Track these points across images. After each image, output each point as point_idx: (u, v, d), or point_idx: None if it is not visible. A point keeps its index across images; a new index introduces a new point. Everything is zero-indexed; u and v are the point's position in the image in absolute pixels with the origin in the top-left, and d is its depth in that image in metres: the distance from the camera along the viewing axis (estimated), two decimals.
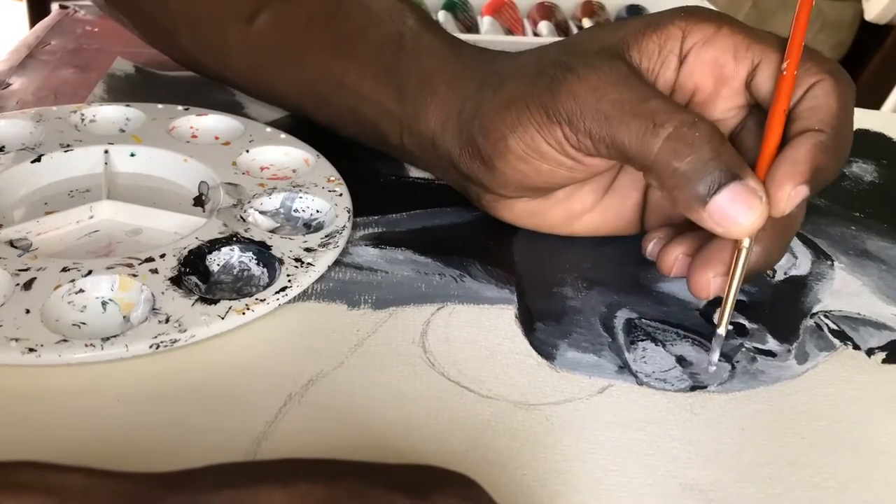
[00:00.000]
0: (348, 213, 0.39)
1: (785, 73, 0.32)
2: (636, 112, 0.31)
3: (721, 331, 0.33)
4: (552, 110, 0.33)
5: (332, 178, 0.41)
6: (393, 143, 0.40)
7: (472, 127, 0.36)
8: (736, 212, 0.30)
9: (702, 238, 0.34)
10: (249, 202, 0.39)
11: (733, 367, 0.33)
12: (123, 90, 0.51)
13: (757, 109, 0.35)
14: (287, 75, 0.43)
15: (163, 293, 0.33)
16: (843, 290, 0.39)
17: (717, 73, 0.34)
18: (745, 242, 0.32)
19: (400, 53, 0.39)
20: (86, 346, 0.30)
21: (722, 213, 0.30)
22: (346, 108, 0.41)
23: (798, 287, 0.39)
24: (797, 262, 0.40)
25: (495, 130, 0.35)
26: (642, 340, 0.34)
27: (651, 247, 0.37)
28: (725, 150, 0.31)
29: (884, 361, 0.35)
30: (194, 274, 0.34)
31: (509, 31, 0.70)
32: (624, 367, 0.33)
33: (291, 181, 0.41)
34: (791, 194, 0.31)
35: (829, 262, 0.41)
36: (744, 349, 0.34)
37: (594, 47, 0.34)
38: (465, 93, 0.37)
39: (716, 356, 0.33)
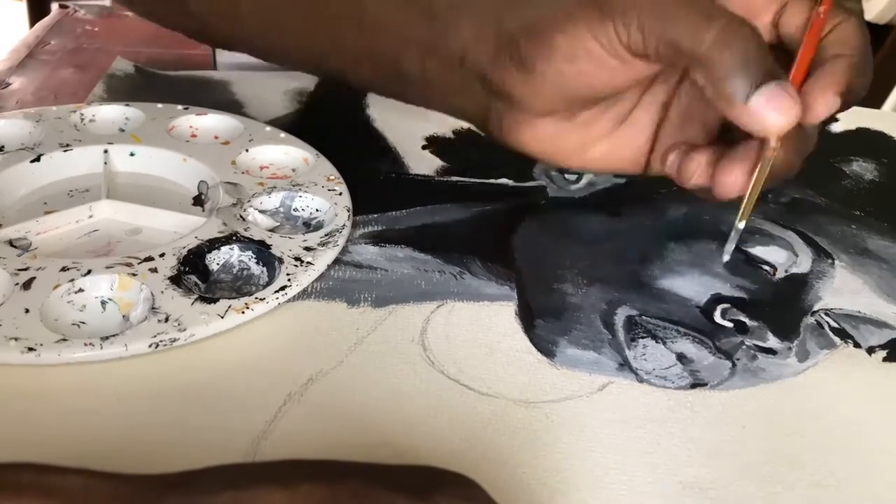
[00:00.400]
0: (348, 211, 0.39)
1: (822, 13, 0.35)
2: (690, 6, 0.33)
3: (741, 224, 0.34)
4: (607, 5, 0.34)
5: (332, 177, 0.41)
6: (411, 73, 0.40)
7: (515, 32, 0.36)
8: (773, 109, 0.32)
9: (720, 150, 0.36)
10: (249, 201, 0.39)
11: (734, 365, 0.33)
12: (123, 90, 0.51)
13: (778, 50, 0.36)
14: (300, 22, 0.42)
15: (162, 292, 0.33)
16: (844, 289, 0.39)
17: (747, 7, 0.36)
18: (773, 143, 0.33)
19: None
20: (85, 345, 0.30)
21: (761, 110, 0.32)
22: (363, 46, 0.40)
23: (799, 285, 0.39)
24: (798, 260, 0.40)
25: (541, 30, 0.35)
26: (643, 338, 0.34)
27: (672, 157, 0.37)
28: (768, 52, 0.33)
29: (884, 360, 0.35)
30: (194, 273, 0.34)
31: None
32: (624, 365, 0.33)
33: (291, 180, 0.41)
34: (830, 102, 0.33)
35: (829, 261, 0.40)
36: (744, 347, 0.34)
37: None
38: (504, 5, 0.37)
39: (731, 247, 0.34)
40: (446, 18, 0.38)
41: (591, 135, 0.39)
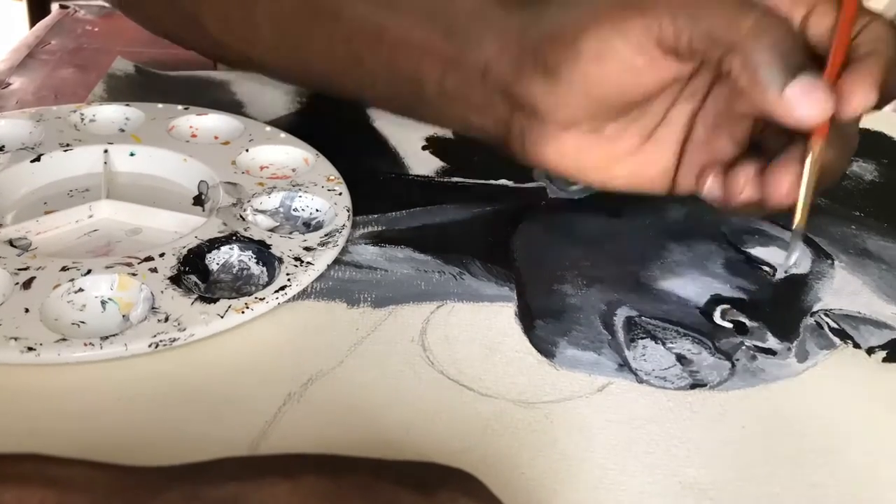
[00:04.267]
0: (348, 211, 0.39)
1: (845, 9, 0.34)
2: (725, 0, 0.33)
3: (799, 226, 0.34)
4: (634, 5, 0.34)
5: (332, 178, 0.41)
6: (429, 89, 0.40)
7: (539, 42, 0.36)
8: (809, 101, 0.32)
9: (761, 162, 0.35)
10: (249, 201, 0.39)
11: (733, 366, 0.33)
12: (123, 90, 0.51)
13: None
14: (318, 40, 0.42)
15: (162, 292, 0.33)
16: (844, 289, 0.39)
17: (774, 10, 0.35)
18: (817, 142, 0.33)
19: None
20: (85, 345, 0.30)
21: (797, 100, 0.32)
22: (381, 63, 0.40)
23: (798, 286, 0.39)
24: (798, 259, 0.40)
25: (566, 34, 0.35)
26: (642, 338, 0.34)
27: (710, 182, 0.37)
28: (803, 46, 0.33)
29: (884, 360, 0.35)
30: (194, 273, 0.34)
31: None
32: (624, 365, 0.33)
33: (291, 180, 0.41)
34: (867, 93, 0.33)
35: (829, 261, 0.40)
36: (744, 347, 0.34)
37: None
38: (525, 19, 0.37)
39: (795, 255, 0.34)
40: (468, 33, 0.38)
41: (616, 151, 0.38)
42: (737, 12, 0.33)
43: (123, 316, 0.32)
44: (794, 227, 0.34)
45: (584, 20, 0.35)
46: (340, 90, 0.44)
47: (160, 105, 0.46)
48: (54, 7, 0.66)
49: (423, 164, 0.46)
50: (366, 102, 0.44)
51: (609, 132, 0.38)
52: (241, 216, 0.37)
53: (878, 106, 0.34)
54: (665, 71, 0.35)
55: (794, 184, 0.34)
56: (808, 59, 0.33)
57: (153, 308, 0.32)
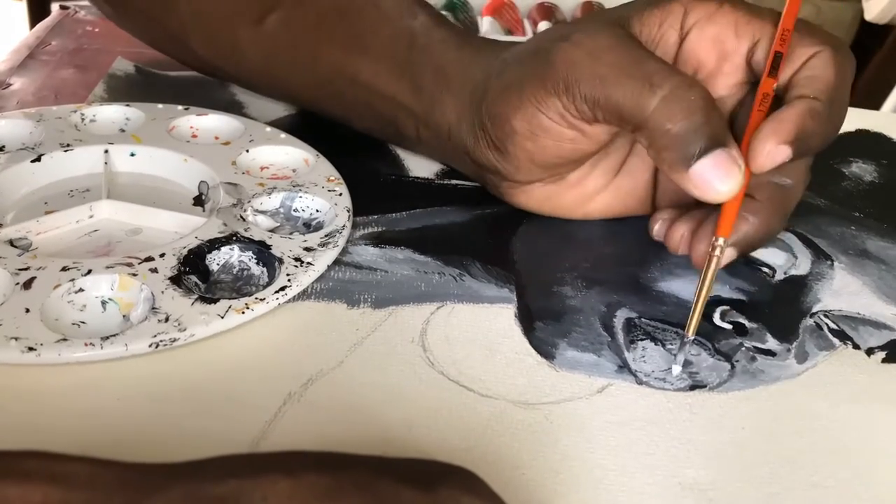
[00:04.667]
0: (348, 212, 0.39)
1: (771, 51, 0.34)
2: (632, 73, 0.32)
3: (689, 336, 0.33)
4: (549, 81, 0.34)
5: (332, 178, 0.41)
6: (409, 135, 0.41)
7: (481, 115, 0.37)
8: (715, 177, 0.32)
9: (704, 214, 0.35)
10: (249, 202, 0.39)
11: (733, 367, 0.33)
12: (123, 90, 0.51)
13: (755, 86, 0.35)
14: (300, 74, 0.43)
15: (162, 292, 0.33)
16: (843, 290, 0.39)
17: (718, 49, 0.35)
18: (720, 242, 0.33)
19: (413, 49, 0.40)
20: (85, 345, 0.30)
21: (702, 178, 0.32)
22: (362, 103, 0.42)
23: (798, 287, 0.39)
24: (797, 261, 0.40)
25: (500, 114, 0.36)
26: (642, 340, 0.34)
27: (658, 227, 0.38)
28: (715, 116, 0.32)
29: (883, 361, 0.35)
30: (194, 273, 0.34)
31: (509, 32, 0.71)
32: (623, 367, 0.33)
33: (291, 181, 0.41)
34: (772, 151, 0.32)
35: (828, 262, 0.41)
36: (743, 348, 0.34)
37: (593, 18, 0.35)
38: (474, 83, 0.38)
39: (681, 359, 0.33)
40: (432, 95, 0.39)
41: (586, 191, 0.40)
42: (642, 90, 0.32)
43: (124, 316, 0.32)
44: (684, 336, 0.33)
45: (513, 99, 0.35)
46: (328, 117, 0.45)
47: (160, 105, 0.46)
48: (54, 7, 0.66)
49: (424, 165, 0.46)
50: (358, 131, 0.44)
51: (574, 178, 0.39)
52: (241, 217, 0.38)
53: (798, 157, 0.33)
54: (597, 135, 0.35)
55: (703, 256, 0.34)
56: (722, 128, 0.32)
57: (153, 308, 0.32)
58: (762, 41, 0.35)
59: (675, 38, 0.35)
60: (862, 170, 0.50)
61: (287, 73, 0.43)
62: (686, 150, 0.32)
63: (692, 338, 0.33)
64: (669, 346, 0.34)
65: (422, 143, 0.41)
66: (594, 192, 0.40)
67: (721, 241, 0.33)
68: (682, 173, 0.32)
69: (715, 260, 0.33)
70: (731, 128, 0.35)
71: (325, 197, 0.40)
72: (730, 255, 0.35)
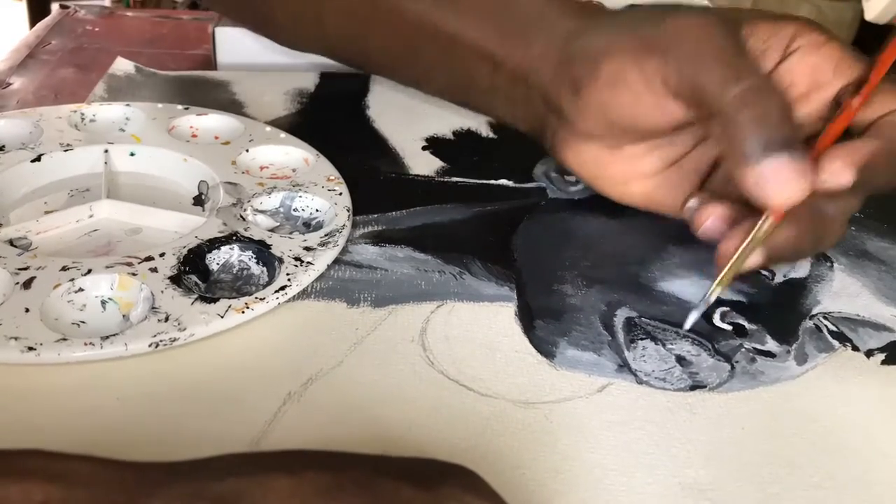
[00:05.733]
0: (348, 211, 0.39)
1: (853, 102, 0.34)
2: (724, 61, 0.33)
3: (711, 297, 0.34)
4: (651, 40, 0.35)
5: (332, 178, 0.41)
6: (480, 84, 0.41)
7: (574, 56, 0.37)
8: (782, 180, 0.31)
9: (739, 209, 0.35)
10: (249, 201, 0.39)
11: (733, 368, 0.33)
12: (123, 90, 0.51)
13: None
14: (379, 35, 0.44)
15: (162, 292, 0.33)
16: (843, 292, 0.39)
17: (813, 78, 0.36)
18: (769, 218, 0.33)
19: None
20: (85, 344, 0.30)
21: (768, 177, 0.31)
22: (438, 56, 0.42)
23: (797, 289, 0.39)
24: (796, 264, 0.40)
25: (595, 54, 0.36)
26: (642, 339, 0.34)
27: (692, 201, 0.37)
28: (790, 124, 0.32)
29: (883, 363, 0.35)
30: (194, 273, 0.34)
31: None
32: (623, 366, 0.33)
33: (291, 180, 0.41)
34: (837, 170, 0.32)
35: (828, 264, 0.40)
36: (743, 350, 0.34)
37: (711, 11, 0.36)
38: (573, 28, 0.38)
39: (695, 316, 0.34)
40: (521, 36, 0.40)
41: (635, 170, 0.40)
42: (728, 76, 0.32)
43: (123, 316, 0.32)
44: (707, 293, 0.34)
45: (611, 45, 0.36)
46: (399, 79, 0.46)
47: (160, 105, 0.46)
48: (54, 7, 0.66)
49: (424, 163, 0.46)
50: (423, 91, 0.46)
51: (628, 152, 0.39)
52: (241, 216, 0.38)
53: (859, 192, 0.33)
54: (671, 113, 0.36)
55: (730, 253, 0.34)
56: (795, 138, 0.32)
57: (153, 308, 0.32)
58: (855, 81, 0.35)
59: (776, 57, 0.36)
60: None
61: (368, 35, 0.44)
62: (757, 142, 0.31)
63: (712, 299, 0.34)
64: (670, 346, 0.34)
65: (493, 89, 0.41)
66: (641, 174, 0.40)
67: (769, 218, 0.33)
68: (746, 168, 0.31)
69: (761, 222, 0.33)
70: None
71: (324, 196, 0.40)
72: (754, 260, 0.34)
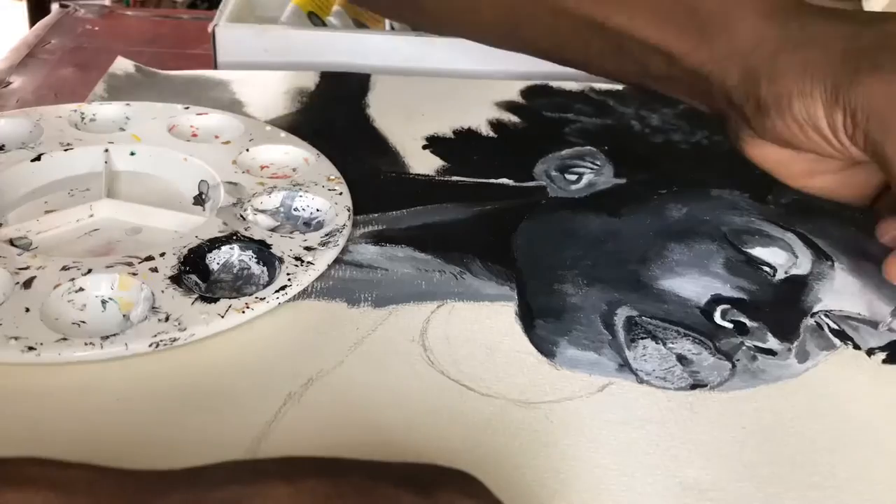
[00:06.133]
0: (348, 211, 0.39)
1: None
2: None
3: None
4: (844, 96, 0.34)
5: (332, 177, 0.41)
6: (655, 73, 0.41)
7: (760, 71, 0.37)
8: None
9: None
10: (249, 201, 0.39)
11: (734, 366, 0.33)
12: (123, 89, 0.51)
13: None
14: (542, 25, 0.43)
15: (162, 292, 0.33)
16: (844, 291, 0.39)
17: None
18: None
19: None
20: (85, 344, 0.30)
21: None
22: (606, 46, 0.41)
23: (799, 287, 0.39)
24: (798, 261, 0.40)
25: (785, 87, 0.36)
26: (643, 338, 0.34)
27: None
28: None
29: (884, 361, 0.35)
30: (194, 273, 0.34)
31: None
32: (624, 365, 0.33)
33: (291, 180, 0.41)
34: None
35: (829, 263, 0.40)
36: (744, 348, 0.34)
37: None
38: (760, 34, 0.37)
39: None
40: (696, 37, 0.39)
41: (818, 168, 0.39)
42: None
43: (124, 315, 0.32)
44: None
45: (804, 82, 0.35)
46: (563, 64, 0.45)
47: (160, 105, 0.46)
48: (54, 6, 0.66)
49: (424, 163, 0.46)
50: (592, 73, 0.44)
51: (812, 155, 0.38)
52: (241, 216, 0.37)
53: None
54: (858, 157, 0.36)
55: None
56: None
57: (153, 308, 0.32)
58: None
59: None
60: None
61: (526, 26, 0.43)
62: None
63: None
64: (670, 345, 0.34)
65: (670, 78, 0.40)
66: (825, 170, 0.39)
67: None
68: None
69: None
70: None
71: (325, 196, 0.39)
72: None
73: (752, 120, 0.37)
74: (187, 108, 0.46)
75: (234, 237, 0.36)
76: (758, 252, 0.40)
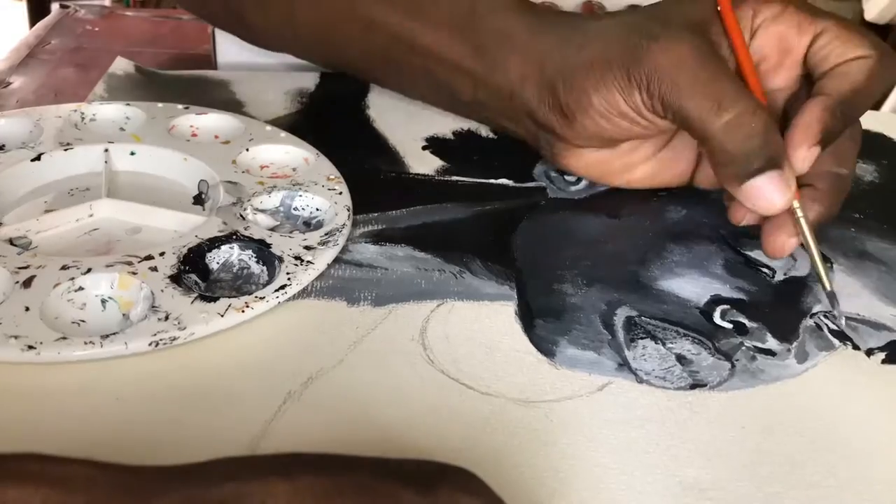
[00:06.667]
0: (348, 210, 0.39)
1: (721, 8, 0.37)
2: (706, 91, 0.35)
3: (829, 288, 0.36)
4: (634, 73, 0.36)
5: (332, 177, 0.41)
6: (464, 99, 0.42)
7: (555, 81, 0.39)
8: (767, 195, 0.35)
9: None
10: (249, 200, 0.39)
11: (733, 366, 0.33)
12: (124, 89, 0.51)
13: (807, 80, 0.39)
14: (356, 44, 0.44)
15: (162, 291, 0.33)
16: (843, 291, 0.39)
17: (782, 46, 0.38)
18: (798, 211, 0.36)
19: (473, 14, 0.41)
20: (85, 343, 0.30)
21: (755, 194, 0.35)
22: (418, 69, 0.42)
23: (798, 287, 0.39)
24: (797, 263, 0.40)
25: (580, 87, 0.38)
26: (642, 338, 0.34)
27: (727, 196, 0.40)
28: (774, 140, 0.35)
29: (883, 362, 0.35)
30: (194, 272, 0.34)
31: None
32: (624, 365, 0.33)
33: (291, 179, 0.41)
34: (805, 155, 0.35)
35: (828, 264, 0.40)
36: (744, 348, 0.34)
37: (680, 20, 0.37)
38: (547, 47, 0.39)
39: (838, 311, 0.36)
40: (495, 57, 0.40)
41: (633, 160, 0.42)
42: (712, 107, 0.35)
43: (123, 315, 0.32)
44: (826, 291, 0.36)
45: (594, 74, 0.37)
46: (382, 85, 0.47)
47: (160, 104, 0.46)
48: (54, 7, 0.66)
49: (424, 163, 0.46)
50: (408, 97, 0.47)
51: (626, 147, 0.41)
52: (241, 215, 0.38)
53: (826, 146, 0.36)
54: (665, 126, 0.38)
55: (788, 242, 0.37)
56: (778, 150, 0.35)
57: (153, 307, 0.32)
58: (821, 36, 0.37)
59: (746, 40, 0.38)
60: (862, 170, 0.50)
61: (343, 45, 0.44)
62: (742, 169, 0.35)
63: (830, 288, 0.36)
64: (670, 345, 0.34)
65: (478, 103, 0.42)
66: (641, 160, 0.42)
67: (797, 204, 0.36)
68: (735, 187, 0.35)
69: (803, 220, 0.36)
70: (785, 117, 0.38)
71: (325, 195, 0.40)
72: (793, 243, 0.37)
73: (561, 130, 0.39)
74: (187, 108, 0.46)
75: (234, 236, 0.36)
76: (756, 254, 0.40)
